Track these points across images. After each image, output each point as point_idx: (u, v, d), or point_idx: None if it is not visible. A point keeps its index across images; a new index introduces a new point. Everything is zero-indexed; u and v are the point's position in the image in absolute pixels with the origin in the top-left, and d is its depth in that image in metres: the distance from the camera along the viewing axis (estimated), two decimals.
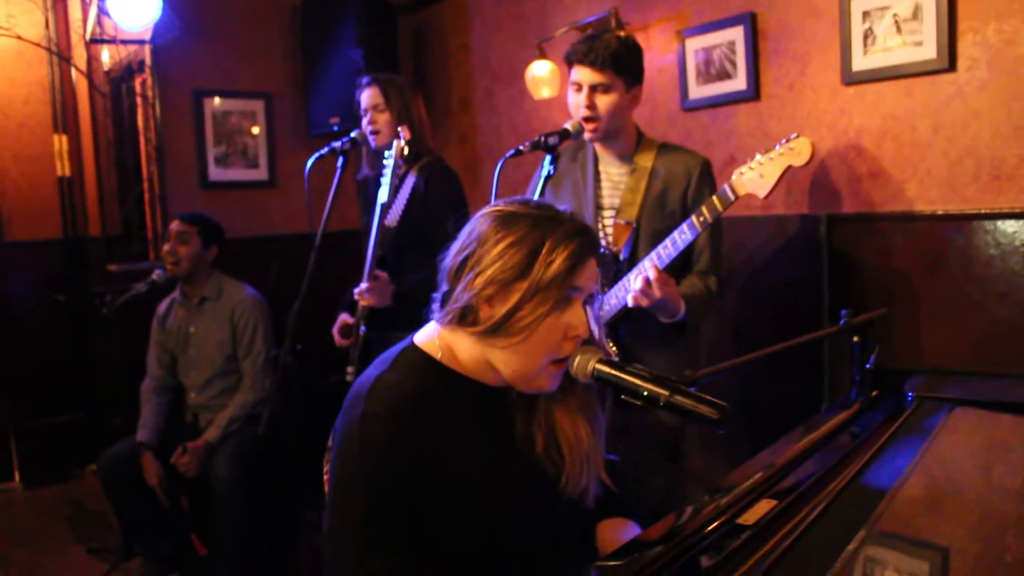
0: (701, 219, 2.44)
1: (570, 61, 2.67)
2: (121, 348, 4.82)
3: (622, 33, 3.64)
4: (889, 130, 2.92)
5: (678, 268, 2.61)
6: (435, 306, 1.59)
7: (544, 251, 1.45)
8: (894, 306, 2.81)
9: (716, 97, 3.46)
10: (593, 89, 2.62)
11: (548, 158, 2.60)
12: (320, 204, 3.22)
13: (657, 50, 3.69)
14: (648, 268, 2.41)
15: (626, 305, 2.53)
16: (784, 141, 2.39)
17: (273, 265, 4.36)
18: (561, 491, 1.59)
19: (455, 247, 1.55)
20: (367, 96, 3.28)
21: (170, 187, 4.54)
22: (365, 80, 3.31)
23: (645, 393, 1.38)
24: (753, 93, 3.31)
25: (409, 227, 3.16)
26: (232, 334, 3.86)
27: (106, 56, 4.97)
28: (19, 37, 4.75)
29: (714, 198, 2.44)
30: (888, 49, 2.89)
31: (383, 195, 3.01)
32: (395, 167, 3.01)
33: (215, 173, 4.66)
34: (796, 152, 2.37)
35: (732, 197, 2.43)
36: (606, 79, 2.61)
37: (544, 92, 4.09)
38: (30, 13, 4.93)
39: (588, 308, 1.55)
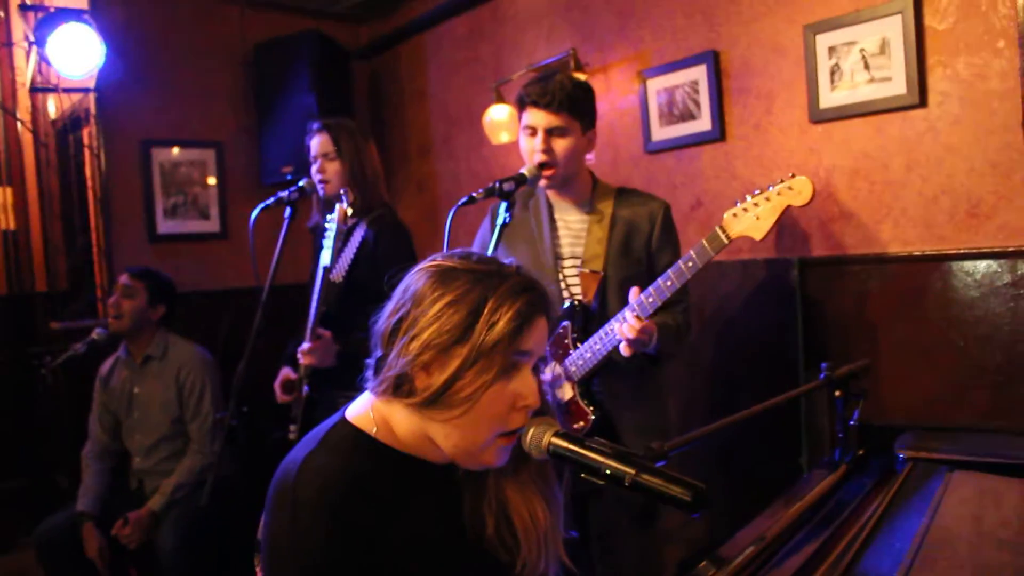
0: (690, 264, 2.28)
1: (523, 103, 2.51)
2: (64, 410, 4.56)
3: (578, 75, 3.51)
4: (860, 169, 2.79)
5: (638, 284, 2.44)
6: (368, 373, 1.40)
7: (486, 311, 1.27)
8: (872, 354, 2.66)
9: (680, 139, 3.32)
10: (549, 133, 2.46)
11: (503, 205, 2.43)
12: (269, 256, 3.03)
13: (618, 91, 3.56)
14: (631, 319, 2.26)
15: (603, 359, 2.40)
16: (780, 180, 2.23)
17: (225, 320, 4.14)
18: None
19: (388, 307, 1.37)
20: (317, 143, 3.11)
21: (117, 240, 4.31)
22: (315, 126, 3.14)
23: (608, 472, 1.19)
24: (718, 133, 3.18)
25: (356, 282, 2.97)
26: (178, 395, 3.62)
27: (52, 106, 4.76)
28: None
29: (705, 243, 2.27)
30: (856, 85, 2.77)
31: (325, 258, 2.82)
32: (337, 231, 2.83)
33: (164, 225, 4.44)
34: (796, 192, 2.20)
35: (725, 240, 2.27)
36: (562, 122, 2.46)
37: (503, 137, 3.94)
38: None
39: (539, 373, 1.37)
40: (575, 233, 2.60)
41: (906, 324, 2.67)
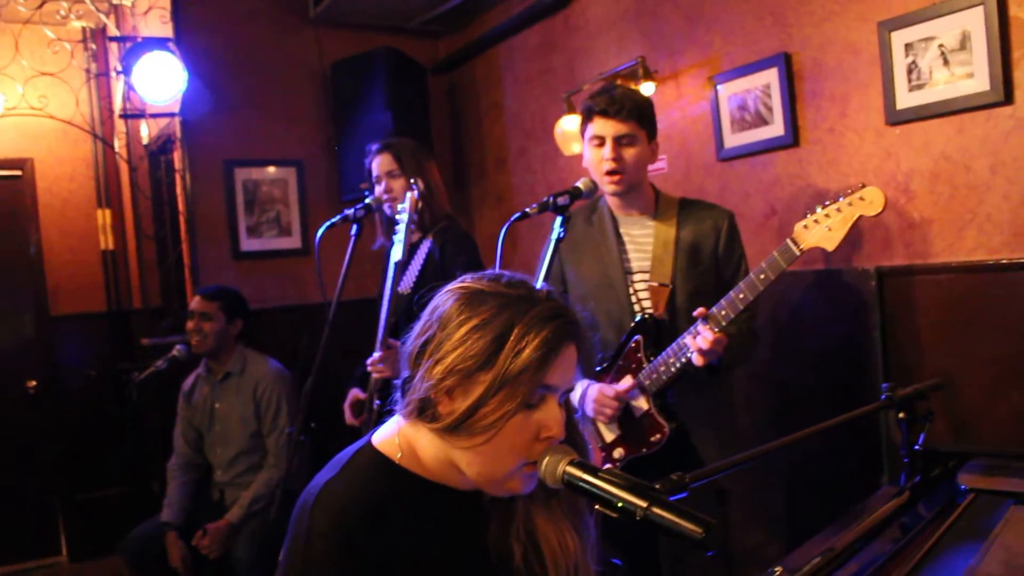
0: (763, 276, 2.25)
1: (590, 114, 2.50)
2: (150, 423, 4.72)
3: (646, 83, 3.45)
4: (941, 172, 2.63)
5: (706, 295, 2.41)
6: (396, 395, 1.37)
7: (512, 338, 1.23)
8: (956, 369, 2.50)
9: (753, 145, 3.21)
10: (618, 141, 2.46)
11: (559, 220, 2.40)
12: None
13: (689, 98, 3.46)
14: (704, 332, 2.25)
15: (679, 371, 2.37)
16: (850, 191, 2.18)
17: (304, 335, 4.20)
18: None
19: (417, 328, 1.34)
20: (379, 163, 3.14)
21: (203, 258, 4.44)
22: (374, 147, 3.18)
23: (620, 504, 1.13)
24: (791, 139, 3.05)
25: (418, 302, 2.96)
26: (256, 410, 3.70)
27: (145, 130, 4.94)
28: (52, 117, 4.75)
29: (776, 255, 2.24)
30: (935, 83, 2.61)
31: (396, 253, 2.82)
32: (409, 222, 2.81)
33: (247, 243, 4.54)
34: (867, 202, 2.16)
35: (797, 252, 2.23)
36: (631, 130, 2.46)
37: (574, 147, 3.88)
38: (63, 92, 4.93)
39: (587, 392, 1.34)
40: (641, 247, 2.57)
41: (992, 337, 2.50)
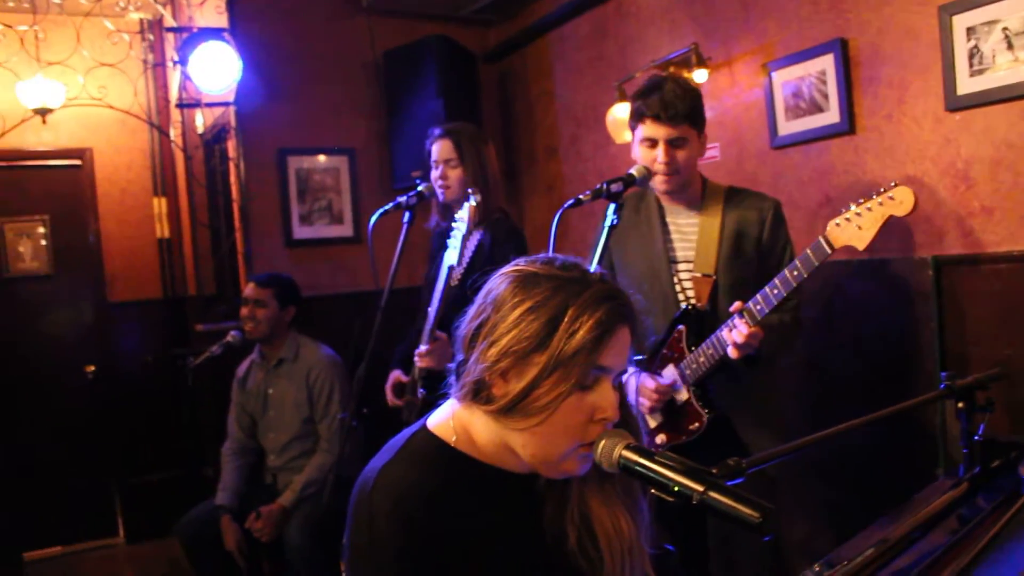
0: (795, 273, 2.27)
1: (640, 116, 2.52)
2: (205, 408, 4.81)
3: (687, 75, 3.42)
4: (1003, 159, 2.58)
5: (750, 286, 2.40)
6: (451, 379, 1.40)
7: (566, 319, 1.24)
8: (1016, 361, 2.45)
9: (807, 132, 3.17)
10: (670, 144, 2.48)
11: (612, 207, 2.41)
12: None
13: (742, 85, 3.43)
14: (740, 326, 2.28)
15: (717, 362, 2.40)
16: (882, 190, 2.19)
17: (356, 322, 4.25)
18: None
19: (471, 311, 1.36)
20: (439, 148, 3.14)
21: (256, 246, 4.51)
22: (437, 132, 3.18)
23: (676, 488, 1.14)
24: (847, 126, 3.01)
25: (455, 294, 2.98)
26: (308, 396, 3.76)
27: (200, 119, 5.03)
28: (110, 107, 4.85)
29: (809, 252, 2.25)
30: (997, 68, 2.56)
31: (451, 257, 2.83)
32: (467, 230, 2.82)
33: (300, 231, 4.60)
34: (897, 202, 2.17)
35: (828, 250, 2.25)
36: (682, 133, 2.48)
37: (626, 136, 3.86)
38: (122, 83, 5.04)
39: (628, 381, 1.35)
40: (686, 236, 2.59)
41: None
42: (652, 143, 2.49)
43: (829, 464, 3.08)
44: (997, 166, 2.59)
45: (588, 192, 2.40)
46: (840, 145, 3.07)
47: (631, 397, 1.41)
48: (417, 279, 3.51)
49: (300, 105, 4.58)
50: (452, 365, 1.38)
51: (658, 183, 2.52)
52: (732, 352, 2.30)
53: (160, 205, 5.66)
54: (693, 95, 2.51)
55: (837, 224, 2.25)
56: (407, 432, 1.42)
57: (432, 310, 2.87)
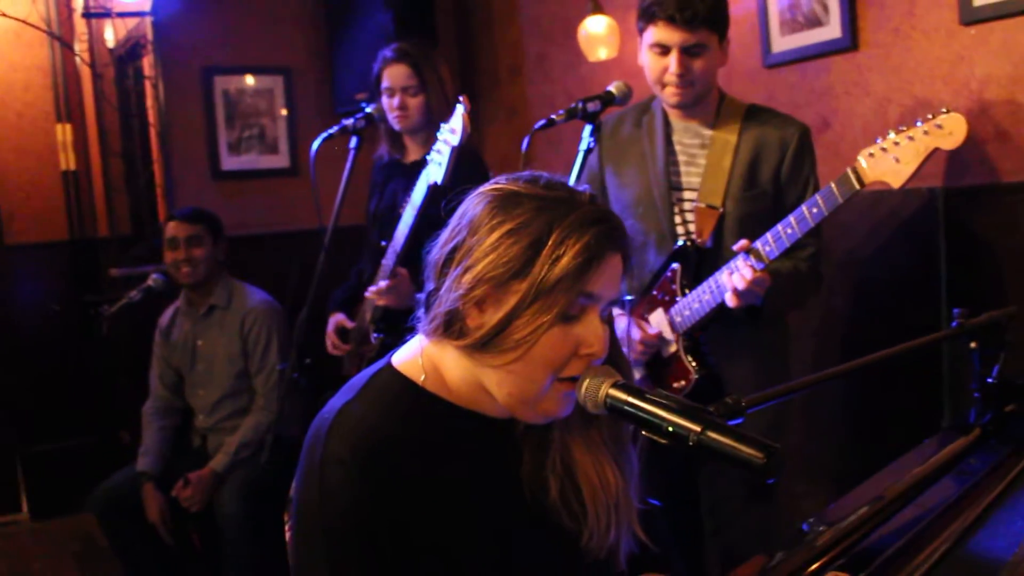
0: (814, 211, 2.20)
1: (651, 17, 2.40)
2: (123, 363, 4.77)
3: None
4: (1022, 78, 2.62)
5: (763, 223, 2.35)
6: (419, 312, 1.39)
7: (550, 243, 1.24)
8: None
9: (805, 49, 3.19)
10: (685, 52, 2.39)
11: (588, 129, 2.41)
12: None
13: None
14: (743, 268, 2.21)
15: (712, 311, 2.35)
16: (929, 116, 2.10)
17: (294, 265, 4.24)
18: (583, 549, 1.39)
19: (444, 234, 1.35)
20: (395, 75, 3.09)
21: (178, 179, 4.46)
22: (390, 54, 3.11)
23: (671, 428, 1.16)
24: (850, 41, 3.03)
25: (430, 219, 2.97)
26: (243, 347, 3.74)
27: (109, 33, 4.92)
28: (2, 14, 4.71)
29: (833, 186, 2.19)
30: None
31: (434, 173, 2.74)
32: (460, 142, 2.71)
33: (229, 161, 4.56)
34: (946, 132, 2.07)
35: (857, 185, 2.17)
36: (701, 38, 2.38)
37: (601, 53, 3.87)
38: None
39: (627, 315, 1.37)
40: (693, 159, 2.54)
41: None
42: (664, 50, 2.39)
43: (826, 416, 3.15)
44: (1016, 86, 2.63)
45: (562, 112, 2.41)
46: (841, 63, 3.09)
47: (620, 332, 1.43)
48: (363, 217, 3.50)
49: (228, 17, 4.51)
50: (421, 296, 1.38)
51: (668, 95, 2.45)
52: (731, 299, 2.25)
53: (64, 132, 5.54)
54: None
55: (872, 155, 2.15)
56: (370, 370, 1.42)
57: (397, 241, 2.85)
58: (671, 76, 2.40)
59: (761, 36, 3.33)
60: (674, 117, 2.57)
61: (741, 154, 2.46)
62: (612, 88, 2.45)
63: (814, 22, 3.15)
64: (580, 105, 2.37)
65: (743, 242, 2.25)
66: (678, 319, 2.46)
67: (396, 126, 3.12)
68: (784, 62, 3.28)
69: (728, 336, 2.47)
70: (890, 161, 2.14)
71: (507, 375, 1.28)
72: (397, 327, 2.89)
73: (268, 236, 4.56)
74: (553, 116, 2.38)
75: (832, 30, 3.08)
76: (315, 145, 3.06)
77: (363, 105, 3.25)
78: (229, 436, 3.68)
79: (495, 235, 1.26)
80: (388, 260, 2.88)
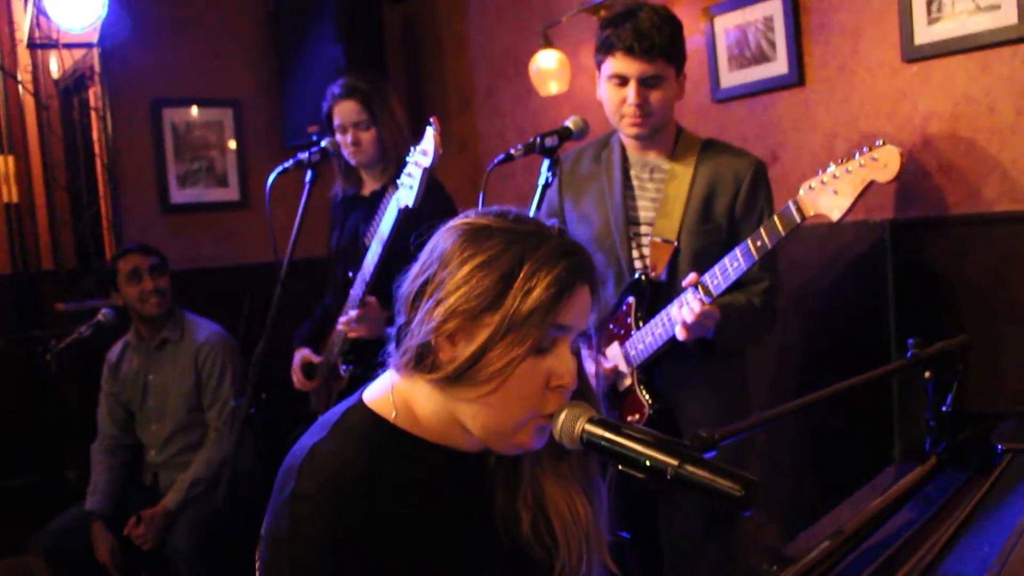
0: (759, 244, 2.23)
1: (609, 48, 2.44)
2: (72, 400, 4.68)
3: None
4: (962, 114, 2.70)
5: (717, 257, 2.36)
6: (390, 346, 1.40)
7: (522, 275, 1.26)
8: (976, 329, 2.59)
9: (753, 84, 3.26)
10: (643, 83, 2.42)
11: (546, 163, 2.42)
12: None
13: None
14: (692, 302, 2.23)
15: (665, 345, 2.38)
16: (865, 149, 2.14)
17: (246, 299, 4.20)
18: None
19: (415, 268, 1.36)
20: (345, 111, 3.07)
21: (126, 212, 4.40)
22: (337, 91, 3.09)
23: (648, 463, 1.18)
24: (796, 77, 3.11)
25: (396, 250, 2.95)
26: (196, 381, 3.70)
27: (54, 65, 4.86)
28: None
29: (776, 219, 2.22)
30: (957, 15, 2.67)
31: (405, 197, 2.69)
32: (432, 163, 2.69)
33: (178, 195, 4.52)
34: (881, 164, 2.10)
35: (798, 218, 2.20)
36: (658, 70, 2.42)
37: (552, 87, 3.91)
38: None
39: (584, 348, 1.38)
40: (650, 193, 2.57)
41: (1016, 296, 2.59)
42: (622, 81, 2.43)
43: (778, 450, 3.19)
44: (956, 122, 2.72)
45: (520, 147, 2.42)
46: (788, 98, 3.16)
47: (587, 366, 1.44)
48: (318, 249, 3.48)
49: (177, 48, 4.49)
50: (391, 330, 1.38)
51: (626, 126, 2.48)
52: (680, 333, 2.26)
53: (7, 164, 5.45)
54: (673, 25, 2.46)
55: (811, 188, 2.19)
56: (341, 407, 1.42)
57: (367, 270, 2.83)
58: (629, 107, 2.43)
59: (710, 71, 3.40)
60: (631, 150, 2.60)
61: (696, 188, 2.49)
62: (569, 123, 2.46)
63: (761, 58, 3.22)
64: (538, 140, 2.39)
65: (692, 276, 2.27)
66: (632, 352, 2.49)
67: (352, 161, 3.12)
68: (733, 97, 3.35)
69: (684, 370, 2.49)
70: (829, 194, 2.17)
71: (481, 408, 1.30)
72: (367, 359, 2.86)
73: (218, 270, 4.52)
74: (512, 151, 2.39)
75: (779, 66, 3.16)
76: (271, 179, 3.05)
77: (315, 138, 3.24)
78: (182, 472, 3.62)
79: (466, 268, 1.28)
80: (357, 290, 2.86)
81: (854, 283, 2.98)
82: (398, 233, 2.75)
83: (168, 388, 3.73)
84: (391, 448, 1.35)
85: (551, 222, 1.37)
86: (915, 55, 2.78)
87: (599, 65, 2.51)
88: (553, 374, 1.29)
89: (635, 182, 2.58)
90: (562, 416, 1.28)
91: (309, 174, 3.07)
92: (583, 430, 1.26)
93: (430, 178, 3.06)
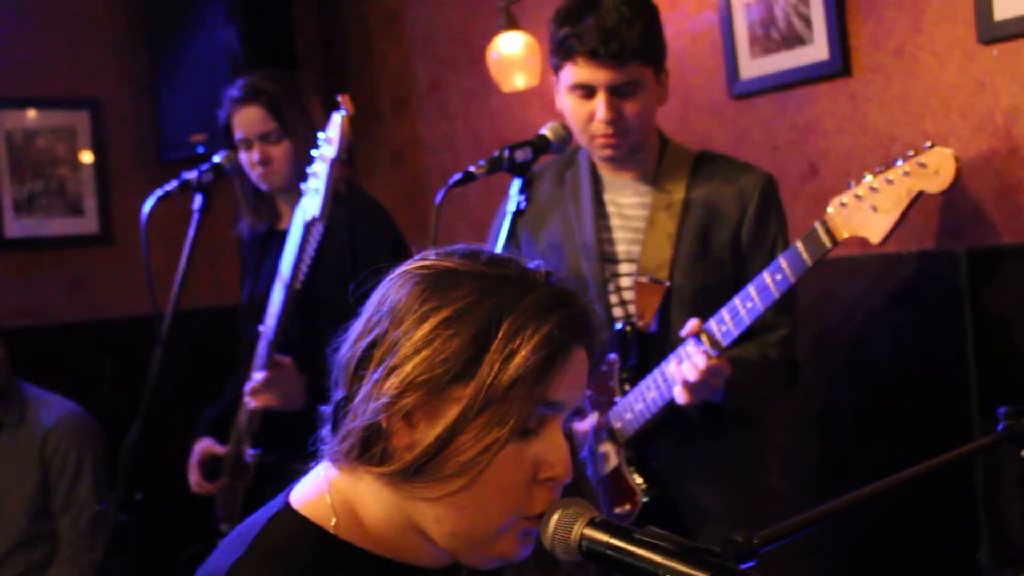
0: (779, 277, 2.26)
1: (568, 53, 2.48)
2: None
3: None
4: None
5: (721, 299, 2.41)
6: (324, 430, 1.40)
7: (501, 335, 1.26)
8: None
9: (783, 74, 3.30)
10: (615, 92, 2.46)
11: (517, 184, 2.43)
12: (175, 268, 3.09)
13: (688, 7, 3.56)
14: (695, 356, 2.25)
15: (660, 412, 2.40)
16: (910, 154, 2.18)
17: (108, 366, 4.18)
18: None
19: (356, 327, 1.36)
20: (248, 120, 3.08)
21: None
22: (237, 93, 3.10)
23: None
24: (840, 65, 3.16)
25: (320, 293, 2.95)
26: (42, 478, 3.67)
27: None
28: None
29: (800, 245, 2.26)
30: None
31: (311, 207, 2.73)
32: (336, 157, 2.69)
33: (15, 226, 4.50)
34: (931, 171, 2.13)
35: (828, 243, 2.24)
36: (632, 75, 2.46)
37: (517, 81, 3.94)
38: None
39: (574, 429, 1.40)
40: (630, 222, 2.61)
41: None
42: (588, 92, 2.47)
43: (821, 552, 3.22)
44: None
45: (483, 162, 2.41)
46: (830, 92, 3.21)
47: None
48: (215, 296, 3.49)
49: (11, 35, 4.48)
50: (327, 408, 1.38)
51: (597, 147, 2.52)
52: (681, 395, 2.28)
53: None
54: (646, 14, 2.48)
55: (843, 204, 2.23)
56: (262, 514, 1.41)
57: (270, 325, 2.83)
58: (599, 124, 2.47)
59: (726, 58, 3.44)
60: (605, 171, 2.65)
61: (691, 214, 2.54)
62: (546, 131, 2.46)
63: (794, 40, 3.26)
64: (506, 153, 2.39)
65: (693, 322, 2.30)
66: (618, 424, 2.51)
67: (261, 185, 3.10)
68: (756, 91, 3.39)
69: (686, 444, 2.52)
70: (866, 210, 2.20)
71: (448, 509, 1.29)
72: (281, 441, 2.82)
73: (71, 327, 4.50)
74: (471, 168, 2.39)
75: (818, 50, 3.20)
76: (147, 207, 3.05)
77: (202, 150, 3.24)
78: None
79: (427, 325, 1.27)
80: (263, 342, 2.86)
81: (921, 330, 3.02)
82: (316, 279, 2.77)
83: (4, 489, 3.69)
84: (332, 567, 1.35)
85: (535, 264, 1.37)
86: (995, 34, 2.83)
87: (556, 71, 2.55)
88: (541, 463, 1.30)
89: (610, 208, 2.62)
90: (554, 518, 1.28)
91: (198, 199, 3.08)
92: (582, 536, 1.25)
93: (370, 202, 3.09)
